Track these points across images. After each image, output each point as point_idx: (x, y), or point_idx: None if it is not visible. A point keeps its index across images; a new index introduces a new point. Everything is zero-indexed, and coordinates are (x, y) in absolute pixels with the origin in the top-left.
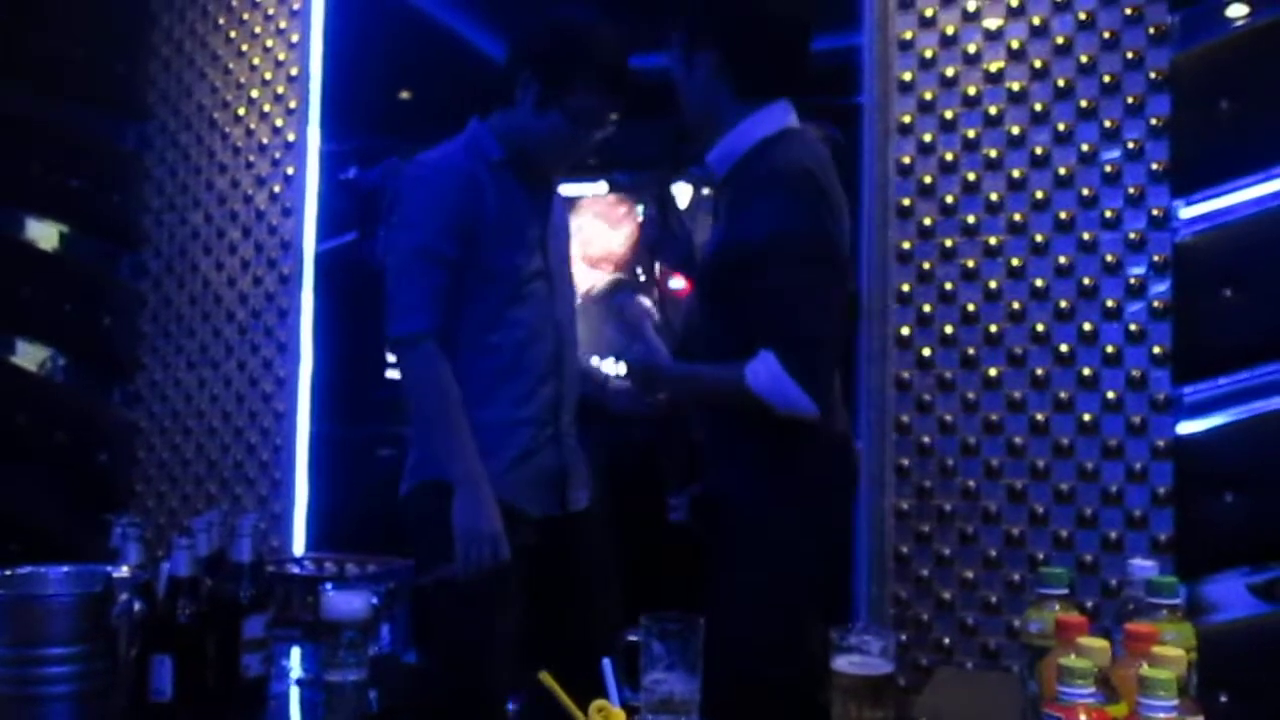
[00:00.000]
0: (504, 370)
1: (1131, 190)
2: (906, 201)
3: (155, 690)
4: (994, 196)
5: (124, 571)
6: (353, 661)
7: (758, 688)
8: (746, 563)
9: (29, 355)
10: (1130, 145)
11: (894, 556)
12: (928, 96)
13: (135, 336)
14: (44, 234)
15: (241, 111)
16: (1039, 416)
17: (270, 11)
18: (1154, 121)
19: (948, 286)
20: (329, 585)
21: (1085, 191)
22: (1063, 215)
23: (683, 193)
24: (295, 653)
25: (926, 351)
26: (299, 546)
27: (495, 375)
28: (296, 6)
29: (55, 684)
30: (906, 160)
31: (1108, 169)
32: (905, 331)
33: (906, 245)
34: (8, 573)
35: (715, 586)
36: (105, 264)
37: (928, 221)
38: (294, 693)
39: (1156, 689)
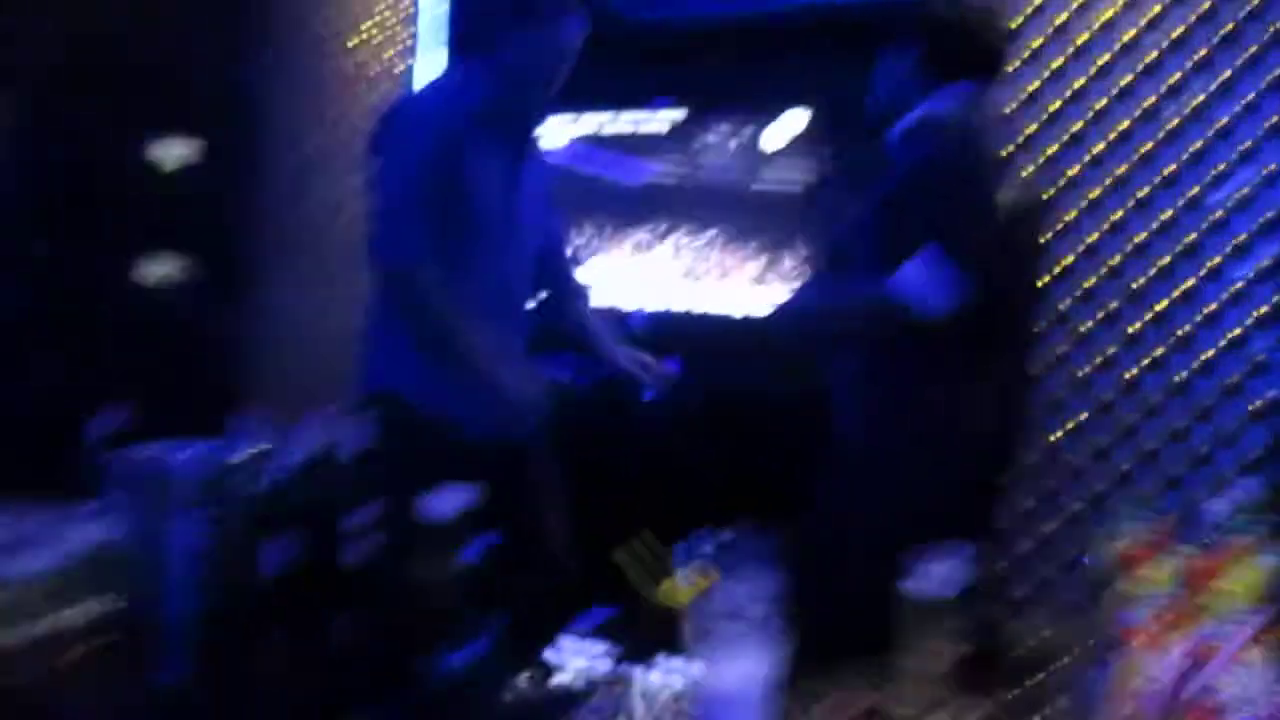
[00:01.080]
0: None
1: None
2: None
3: (264, 566)
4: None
5: (252, 450)
6: (447, 558)
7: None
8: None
9: (158, 269)
10: None
11: None
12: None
13: (257, 250)
14: (170, 154)
15: (352, 43)
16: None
17: None
18: None
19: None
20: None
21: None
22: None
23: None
24: None
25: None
26: None
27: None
28: None
29: (177, 549)
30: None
31: None
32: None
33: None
34: (140, 448)
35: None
36: (228, 179)
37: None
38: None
39: (1228, 601)
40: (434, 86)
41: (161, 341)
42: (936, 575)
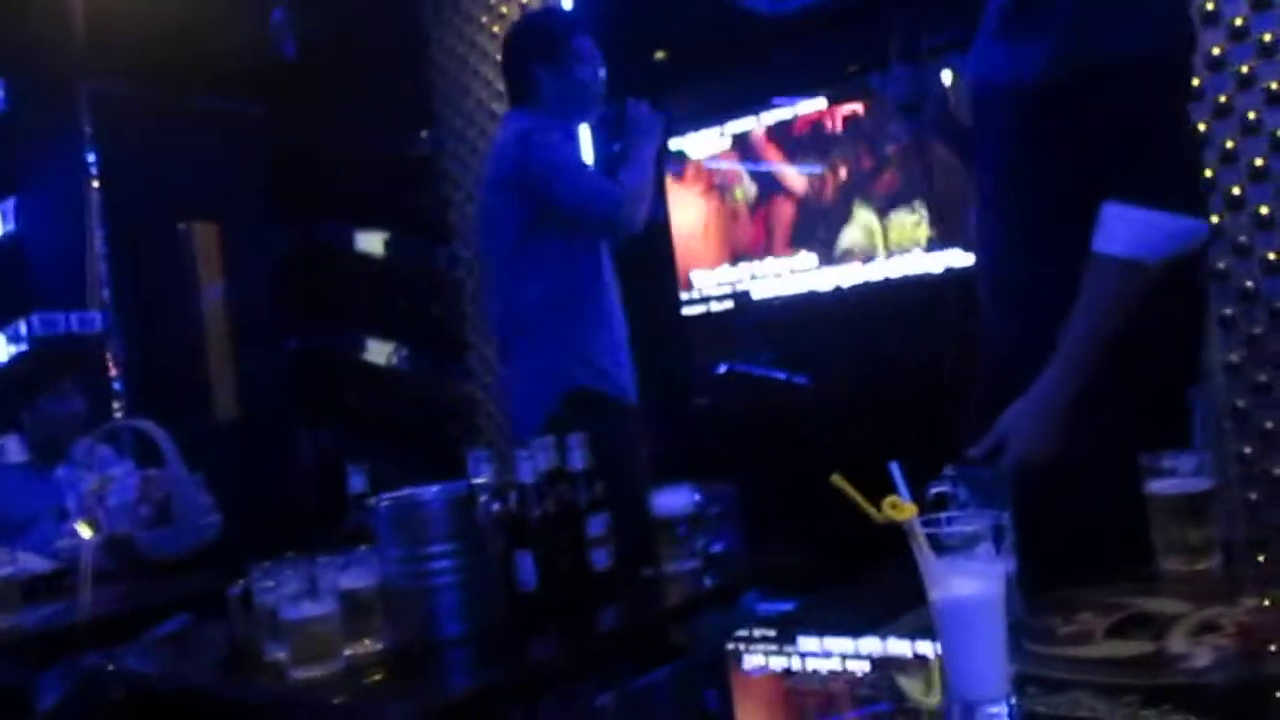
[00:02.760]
0: None
1: None
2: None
3: (521, 580)
4: None
5: (481, 479)
6: (684, 553)
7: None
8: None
9: (376, 350)
10: None
11: (1230, 414)
12: None
13: (460, 319)
14: (371, 243)
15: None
16: None
17: (524, 2)
18: None
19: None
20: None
21: None
22: None
23: None
24: None
25: (1236, 191)
26: None
27: None
28: None
29: (440, 575)
30: (1215, 52)
31: None
32: (1207, 174)
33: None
34: (393, 494)
35: None
36: (425, 259)
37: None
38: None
39: None
40: (544, 124)
41: (392, 408)
42: (1183, 472)
